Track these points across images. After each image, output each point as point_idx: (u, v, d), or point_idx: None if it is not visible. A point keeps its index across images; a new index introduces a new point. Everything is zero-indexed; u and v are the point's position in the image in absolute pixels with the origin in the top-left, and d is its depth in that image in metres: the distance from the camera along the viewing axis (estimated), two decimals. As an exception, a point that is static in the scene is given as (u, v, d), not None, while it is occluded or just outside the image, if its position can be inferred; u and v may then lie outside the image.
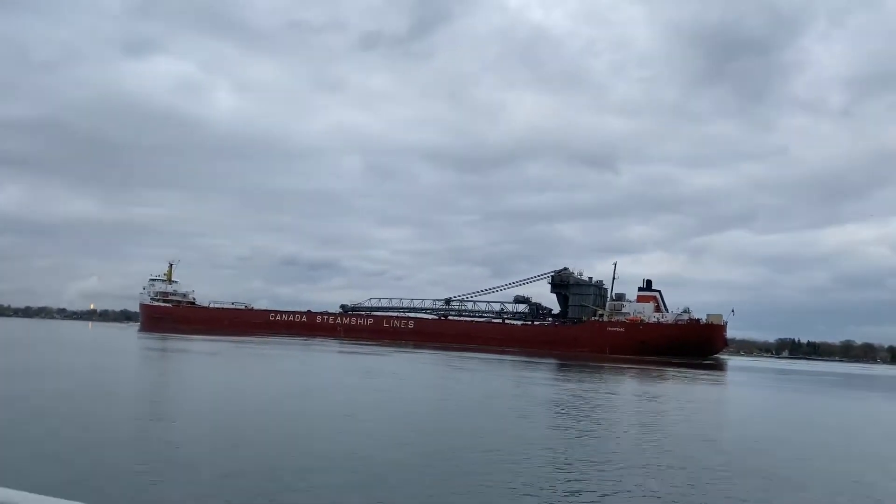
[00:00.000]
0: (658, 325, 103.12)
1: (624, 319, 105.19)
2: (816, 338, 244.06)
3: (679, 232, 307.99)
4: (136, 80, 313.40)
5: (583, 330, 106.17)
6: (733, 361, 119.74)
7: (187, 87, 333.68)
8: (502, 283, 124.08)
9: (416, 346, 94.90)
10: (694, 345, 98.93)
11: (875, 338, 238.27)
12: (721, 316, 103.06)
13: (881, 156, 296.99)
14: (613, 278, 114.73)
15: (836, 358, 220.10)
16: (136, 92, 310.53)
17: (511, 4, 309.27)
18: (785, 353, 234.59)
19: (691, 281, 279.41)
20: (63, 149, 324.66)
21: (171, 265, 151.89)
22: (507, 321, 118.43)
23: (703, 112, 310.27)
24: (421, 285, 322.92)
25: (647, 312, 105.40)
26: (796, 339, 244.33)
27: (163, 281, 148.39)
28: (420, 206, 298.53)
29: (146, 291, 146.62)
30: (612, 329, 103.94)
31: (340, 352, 68.15)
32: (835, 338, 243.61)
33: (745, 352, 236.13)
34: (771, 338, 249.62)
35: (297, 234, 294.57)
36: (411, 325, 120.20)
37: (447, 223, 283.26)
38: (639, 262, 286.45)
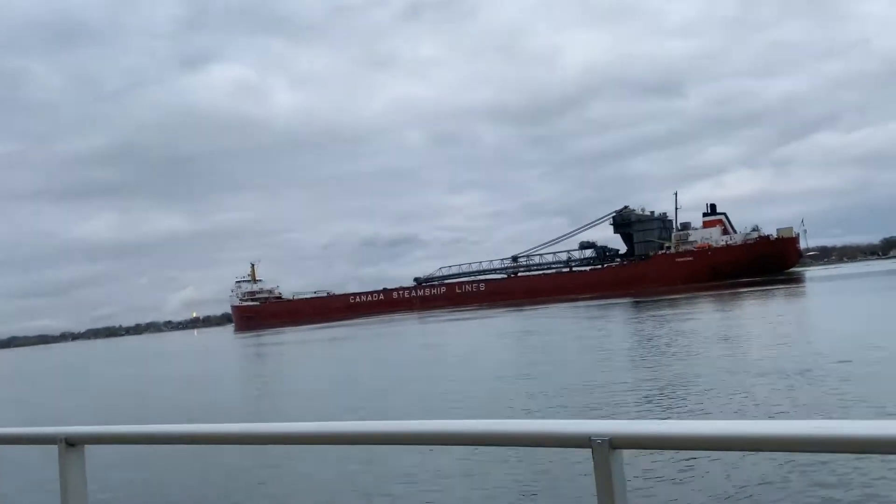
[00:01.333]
0: (727, 247, 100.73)
1: (692, 248, 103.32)
2: None
3: (760, 146, 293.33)
4: (197, 91, 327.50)
5: (651, 265, 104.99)
6: (816, 272, 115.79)
7: (246, 89, 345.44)
8: (568, 232, 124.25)
9: (490, 307, 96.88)
10: (766, 262, 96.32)
11: None
12: (792, 229, 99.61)
13: None
14: (676, 208, 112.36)
15: None
16: (198, 103, 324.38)
17: None
18: (893, 252, 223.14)
19: (781, 195, 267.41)
20: (143, 171, 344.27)
21: (253, 265, 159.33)
22: (574, 269, 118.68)
23: (768, 17, 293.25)
24: (500, 245, 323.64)
25: (714, 237, 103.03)
26: None
27: (248, 281, 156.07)
28: (487, 166, 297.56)
29: (234, 293, 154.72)
30: (681, 259, 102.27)
31: (434, 322, 69.51)
32: None
33: (848, 257, 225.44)
34: (875, 239, 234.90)
35: (373, 215, 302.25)
36: (482, 287, 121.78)
37: (517, 180, 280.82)
38: (721, 185, 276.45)
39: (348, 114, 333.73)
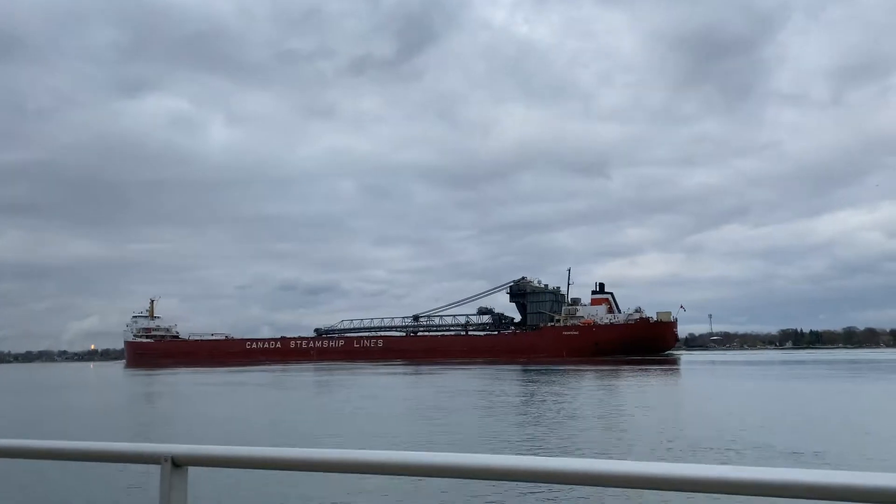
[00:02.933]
0: (610, 326, 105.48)
1: (578, 323, 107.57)
2: (819, 326, 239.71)
3: (675, 231, 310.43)
4: (131, 119, 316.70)
5: (540, 336, 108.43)
6: (690, 356, 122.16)
7: (181, 122, 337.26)
8: (467, 297, 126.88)
9: (384, 364, 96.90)
10: (645, 342, 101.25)
11: (877, 322, 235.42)
12: (670, 313, 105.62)
13: (867, 143, 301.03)
14: (569, 283, 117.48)
15: (840, 345, 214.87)
16: (130, 130, 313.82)
17: (496, 22, 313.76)
18: (788, 344, 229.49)
19: (690, 279, 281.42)
20: (60, 192, 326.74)
21: (153, 301, 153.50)
22: (471, 332, 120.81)
23: (691, 113, 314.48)
24: (421, 302, 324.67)
25: (600, 314, 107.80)
26: (799, 330, 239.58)
27: (145, 317, 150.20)
28: (416, 224, 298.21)
29: (129, 328, 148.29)
30: (568, 333, 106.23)
31: (324, 372, 67.97)
32: (837, 325, 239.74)
33: (748, 345, 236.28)
34: (773, 329, 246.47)
35: (296, 260, 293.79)
36: (380, 343, 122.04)
37: (444, 239, 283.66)
38: (635, 264, 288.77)
39: (282, 157, 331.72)
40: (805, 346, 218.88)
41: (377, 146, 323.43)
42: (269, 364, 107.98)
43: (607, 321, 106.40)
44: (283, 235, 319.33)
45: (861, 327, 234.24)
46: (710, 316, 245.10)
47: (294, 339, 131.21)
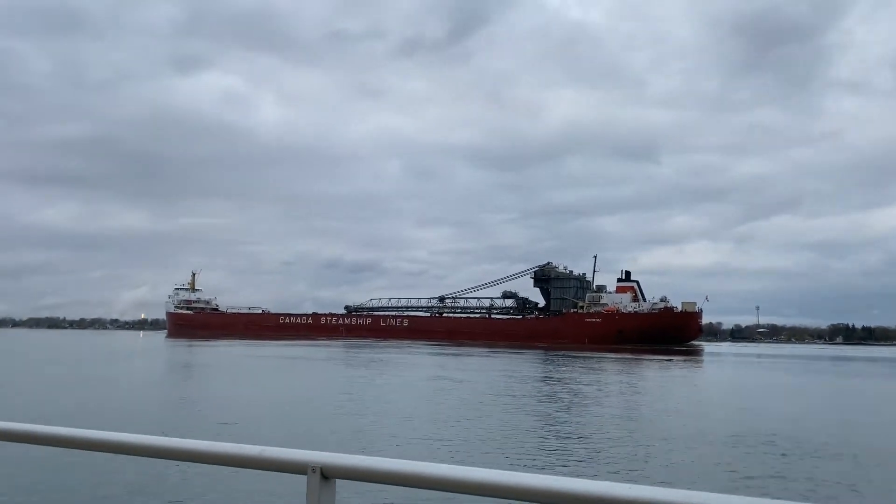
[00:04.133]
0: (634, 314, 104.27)
1: (601, 310, 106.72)
2: (872, 322, 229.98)
3: (724, 220, 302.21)
4: (186, 95, 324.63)
5: (563, 322, 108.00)
6: (715, 348, 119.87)
7: (234, 99, 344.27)
8: (493, 280, 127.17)
9: (411, 343, 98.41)
10: (668, 332, 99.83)
11: None
12: (695, 303, 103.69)
13: None
14: (594, 270, 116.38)
15: (893, 342, 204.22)
16: (185, 107, 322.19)
17: (549, 4, 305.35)
18: (839, 339, 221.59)
19: (737, 270, 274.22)
20: (115, 165, 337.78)
21: (194, 274, 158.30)
22: (494, 316, 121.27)
23: (746, 100, 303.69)
24: (460, 283, 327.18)
25: (624, 302, 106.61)
26: (850, 325, 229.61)
27: (186, 289, 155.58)
28: (459, 205, 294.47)
29: (171, 300, 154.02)
30: (590, 320, 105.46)
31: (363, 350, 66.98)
32: (891, 322, 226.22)
33: (796, 339, 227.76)
34: (824, 324, 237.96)
35: (340, 238, 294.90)
36: (405, 322, 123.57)
37: (486, 222, 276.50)
38: (681, 253, 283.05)
39: (330, 136, 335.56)
40: (856, 341, 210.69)
41: (424, 127, 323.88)
42: (301, 339, 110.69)
43: (631, 309, 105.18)
44: (328, 213, 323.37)
45: None
46: (758, 308, 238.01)
47: (325, 315, 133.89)
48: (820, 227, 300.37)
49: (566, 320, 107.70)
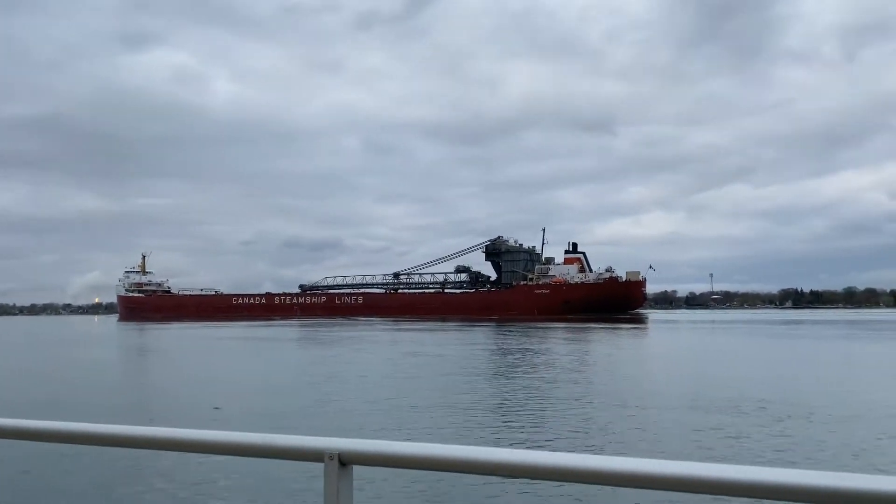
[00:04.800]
0: (581, 284, 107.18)
1: (550, 282, 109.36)
2: (820, 286, 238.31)
3: (678, 190, 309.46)
4: (136, 72, 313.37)
5: (513, 294, 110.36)
6: (659, 315, 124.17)
7: (186, 77, 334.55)
8: (447, 255, 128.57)
9: (366, 319, 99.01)
10: (614, 301, 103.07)
11: (877, 283, 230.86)
12: (639, 273, 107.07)
13: (876, 103, 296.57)
14: (543, 243, 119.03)
15: (840, 305, 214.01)
16: (135, 85, 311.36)
17: None
18: (788, 304, 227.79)
19: (692, 238, 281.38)
20: (65, 145, 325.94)
21: (145, 256, 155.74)
22: (448, 290, 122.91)
23: (699, 71, 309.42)
24: (421, 259, 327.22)
25: (571, 273, 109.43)
26: (799, 289, 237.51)
27: (137, 272, 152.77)
28: (419, 181, 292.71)
29: (122, 283, 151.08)
30: (539, 291, 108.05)
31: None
32: (838, 285, 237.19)
33: (748, 304, 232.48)
34: (774, 289, 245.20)
35: (300, 216, 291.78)
36: (360, 299, 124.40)
37: (447, 196, 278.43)
38: (638, 223, 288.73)
39: (287, 112, 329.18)
40: (805, 305, 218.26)
41: (382, 102, 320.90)
42: (255, 320, 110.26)
43: (578, 280, 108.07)
44: (287, 192, 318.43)
45: (861, 287, 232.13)
46: (712, 275, 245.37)
47: (279, 295, 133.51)
48: (770, 195, 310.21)
49: (516, 292, 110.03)
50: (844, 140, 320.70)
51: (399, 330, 65.85)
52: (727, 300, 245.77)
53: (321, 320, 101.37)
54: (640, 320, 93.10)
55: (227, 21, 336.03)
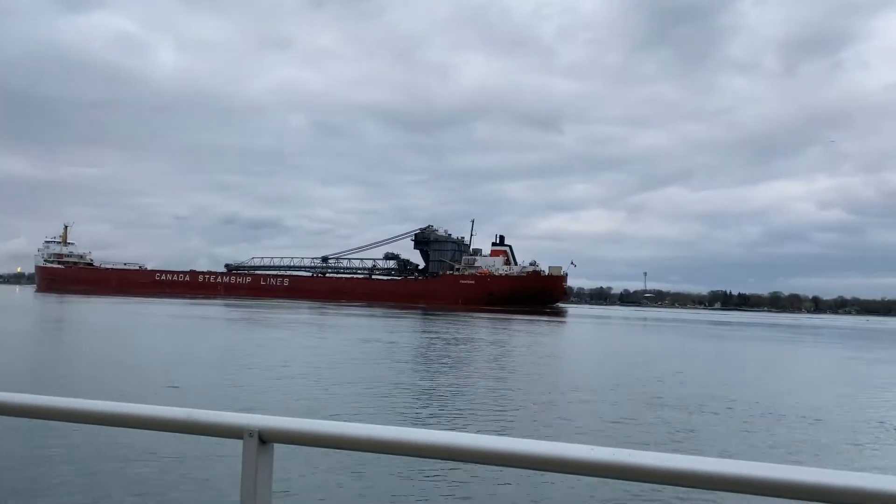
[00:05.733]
0: (504, 277, 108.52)
1: (475, 273, 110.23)
2: (747, 290, 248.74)
3: (620, 190, 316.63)
4: (74, 34, 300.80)
5: (439, 283, 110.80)
6: (578, 310, 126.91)
7: (128, 42, 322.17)
8: (375, 242, 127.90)
9: (291, 302, 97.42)
10: (535, 294, 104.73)
11: (801, 289, 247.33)
12: (561, 268, 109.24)
13: (811, 116, 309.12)
14: (472, 234, 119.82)
15: (765, 308, 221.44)
16: (73, 46, 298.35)
17: None
18: (717, 305, 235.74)
19: (629, 237, 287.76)
20: None
21: (66, 227, 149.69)
22: (375, 277, 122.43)
23: (646, 75, 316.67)
24: (364, 243, 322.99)
25: (497, 265, 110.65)
26: (728, 291, 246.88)
27: (58, 243, 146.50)
28: (366, 165, 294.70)
29: (41, 253, 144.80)
30: (464, 282, 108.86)
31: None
32: (764, 289, 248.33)
33: (679, 304, 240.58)
34: (705, 290, 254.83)
35: (239, 193, 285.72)
36: (286, 282, 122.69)
37: (393, 182, 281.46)
38: (578, 219, 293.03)
39: (233, 87, 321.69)
40: (733, 307, 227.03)
41: (332, 82, 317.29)
42: (178, 297, 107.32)
43: (503, 272, 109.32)
44: (227, 167, 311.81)
45: (786, 293, 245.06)
46: (645, 274, 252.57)
47: (203, 273, 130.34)
48: (706, 199, 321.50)
49: (442, 282, 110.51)
50: (779, 150, 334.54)
51: (318, 315, 64.66)
52: (659, 299, 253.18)
53: (245, 301, 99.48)
54: (559, 313, 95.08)
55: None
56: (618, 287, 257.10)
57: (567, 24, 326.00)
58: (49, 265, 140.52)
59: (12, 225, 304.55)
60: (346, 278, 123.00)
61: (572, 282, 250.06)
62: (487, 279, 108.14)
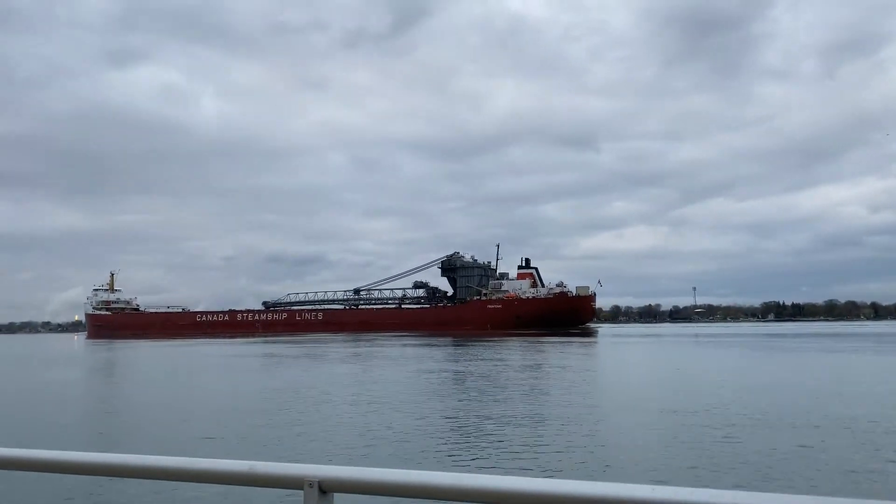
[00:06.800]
0: (532, 299, 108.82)
1: (502, 297, 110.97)
2: (801, 299, 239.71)
3: (661, 205, 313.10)
4: (121, 90, 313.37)
5: (467, 309, 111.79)
6: (607, 329, 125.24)
7: (172, 94, 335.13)
8: (407, 271, 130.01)
9: (326, 336, 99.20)
10: (563, 316, 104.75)
11: (858, 296, 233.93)
12: (588, 288, 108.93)
13: (855, 118, 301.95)
14: (497, 258, 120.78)
15: (821, 318, 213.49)
16: (120, 102, 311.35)
17: None
18: (771, 317, 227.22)
19: (674, 252, 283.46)
20: (48, 162, 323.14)
21: (112, 274, 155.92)
22: (405, 306, 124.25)
23: (681, 88, 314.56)
24: (395, 274, 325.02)
25: (523, 288, 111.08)
26: (781, 302, 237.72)
27: (105, 290, 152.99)
28: (404, 196, 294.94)
29: (89, 301, 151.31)
30: (492, 306, 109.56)
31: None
32: (819, 298, 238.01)
33: (731, 317, 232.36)
34: (756, 302, 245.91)
35: (283, 231, 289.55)
36: (320, 316, 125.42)
37: (432, 211, 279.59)
38: (621, 237, 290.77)
39: (273, 129, 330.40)
40: (787, 318, 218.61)
41: (368, 119, 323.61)
42: (218, 336, 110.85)
43: (529, 295, 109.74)
44: (271, 207, 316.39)
45: (842, 300, 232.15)
46: (695, 289, 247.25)
47: (242, 311, 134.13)
48: (751, 209, 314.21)
49: (470, 307, 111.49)
50: (824, 155, 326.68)
51: (352, 346, 64.08)
52: (710, 313, 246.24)
53: (281, 337, 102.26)
54: (590, 333, 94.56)
55: (214, 39, 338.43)
56: (666, 304, 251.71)
57: (597, 43, 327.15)
58: (97, 312, 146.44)
59: (70, 276, 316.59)
60: (376, 309, 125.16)
61: (618, 301, 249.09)
62: (515, 302, 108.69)
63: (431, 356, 46.72)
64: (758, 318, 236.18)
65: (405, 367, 35.98)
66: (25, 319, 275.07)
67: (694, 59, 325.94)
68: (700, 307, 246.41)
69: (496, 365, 36.78)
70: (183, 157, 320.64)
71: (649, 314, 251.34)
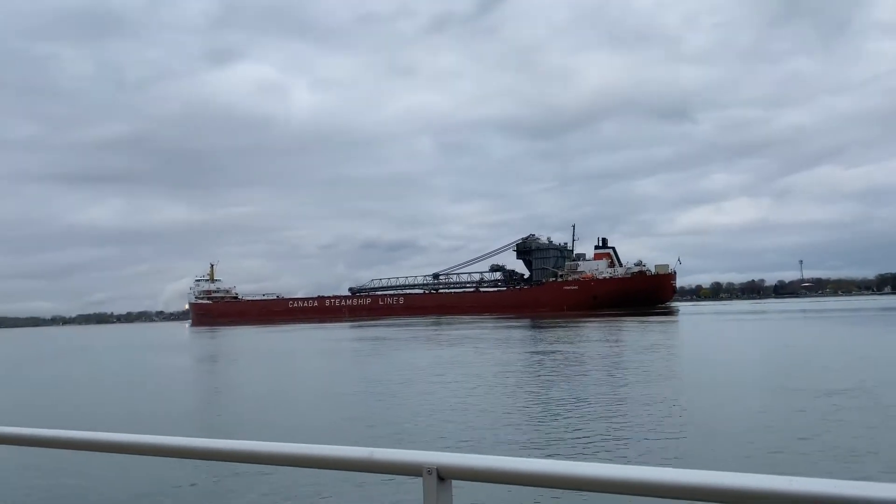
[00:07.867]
0: (609, 279, 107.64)
1: (579, 277, 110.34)
2: None
3: (763, 175, 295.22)
4: (221, 87, 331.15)
5: (543, 291, 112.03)
6: (692, 307, 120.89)
7: (268, 88, 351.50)
8: (484, 254, 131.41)
9: (407, 319, 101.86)
10: (642, 295, 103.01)
11: None
12: (668, 266, 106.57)
13: None
14: (574, 239, 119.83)
15: None
16: (220, 99, 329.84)
17: None
18: (887, 289, 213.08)
19: (779, 224, 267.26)
20: (155, 160, 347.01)
21: (213, 265, 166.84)
22: (482, 289, 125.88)
23: (783, 51, 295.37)
24: (495, 255, 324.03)
25: (600, 269, 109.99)
26: None
27: (206, 280, 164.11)
28: (494, 178, 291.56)
29: (192, 291, 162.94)
30: (568, 287, 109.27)
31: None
32: None
33: (842, 291, 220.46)
34: (871, 274, 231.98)
35: (377, 218, 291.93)
36: (401, 300, 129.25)
37: (522, 192, 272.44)
38: (720, 211, 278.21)
39: (364, 118, 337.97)
40: None
41: (456, 102, 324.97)
42: (308, 322, 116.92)
43: (607, 275, 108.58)
44: (364, 195, 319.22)
45: None
46: (801, 262, 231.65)
47: (329, 297, 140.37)
48: (863, 175, 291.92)
49: (546, 289, 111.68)
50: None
51: (431, 329, 64.89)
52: (819, 287, 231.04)
53: (365, 321, 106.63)
54: (671, 313, 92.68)
55: (305, 33, 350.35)
56: (771, 279, 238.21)
57: (691, 10, 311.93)
58: (199, 301, 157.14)
59: (179, 267, 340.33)
60: (454, 293, 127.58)
61: (719, 277, 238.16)
62: (591, 283, 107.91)
63: (515, 339, 46.41)
64: (872, 290, 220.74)
65: (499, 350, 35.40)
66: (141, 309, 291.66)
67: (795, 20, 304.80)
68: (807, 281, 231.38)
69: (595, 345, 35.81)
70: (279, 149, 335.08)
71: (753, 290, 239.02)
